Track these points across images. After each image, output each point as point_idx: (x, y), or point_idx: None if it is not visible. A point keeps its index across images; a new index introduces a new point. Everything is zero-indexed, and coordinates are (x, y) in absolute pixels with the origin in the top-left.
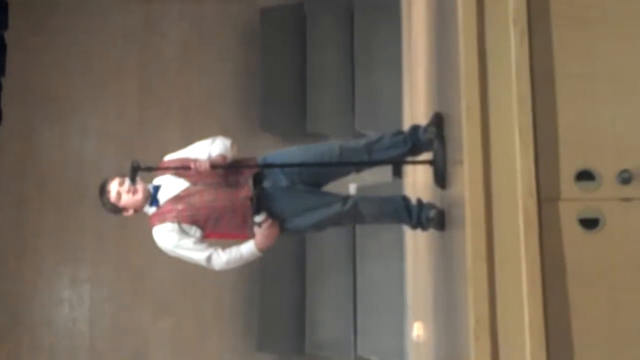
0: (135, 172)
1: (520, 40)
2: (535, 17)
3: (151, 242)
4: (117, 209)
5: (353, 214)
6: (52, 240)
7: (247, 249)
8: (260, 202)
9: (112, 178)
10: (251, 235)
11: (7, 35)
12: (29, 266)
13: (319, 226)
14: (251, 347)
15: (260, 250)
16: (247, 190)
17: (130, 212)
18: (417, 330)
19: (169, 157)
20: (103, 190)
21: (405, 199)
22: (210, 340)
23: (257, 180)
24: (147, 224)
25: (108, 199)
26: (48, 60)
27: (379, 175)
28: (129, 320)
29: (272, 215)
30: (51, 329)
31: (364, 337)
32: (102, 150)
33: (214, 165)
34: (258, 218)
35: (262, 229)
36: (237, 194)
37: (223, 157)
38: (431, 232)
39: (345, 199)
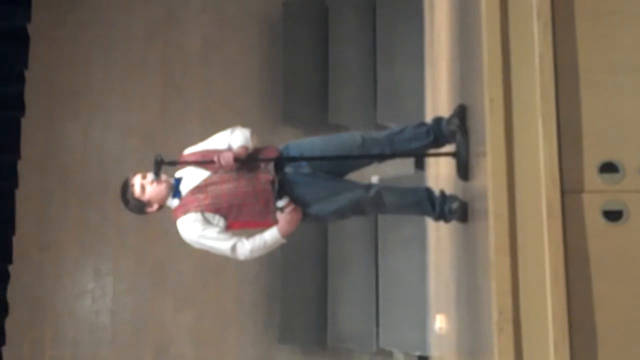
0: (159, 166)
1: (544, 33)
2: (559, 10)
3: (173, 234)
4: (141, 205)
5: (376, 202)
6: (74, 233)
7: (271, 235)
8: (282, 187)
9: (134, 174)
10: (274, 222)
11: (30, 29)
12: (52, 259)
13: (342, 213)
14: (273, 340)
15: (284, 236)
16: (267, 174)
17: (155, 207)
18: (440, 323)
19: (188, 151)
20: (126, 187)
21: (428, 190)
22: (232, 332)
23: (279, 166)
24: (170, 217)
25: (132, 194)
26: (71, 53)
27: (401, 167)
28: (150, 313)
29: (294, 200)
30: (74, 321)
31: (386, 330)
32: (125, 143)
33: (237, 159)
34: (280, 203)
35: (285, 213)
36: (257, 179)
37: (245, 148)
38: (454, 224)
39: (368, 186)
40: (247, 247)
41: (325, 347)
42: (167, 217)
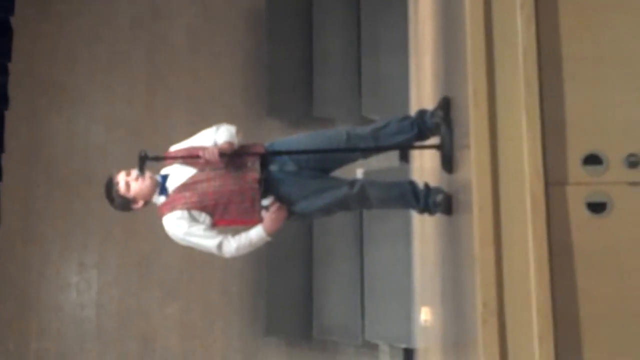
0: (144, 162)
1: (527, 24)
2: (543, 1)
3: (158, 227)
4: (126, 203)
5: (360, 197)
6: (59, 225)
7: (256, 233)
8: (268, 185)
9: (117, 171)
10: (260, 220)
11: (14, 21)
12: (37, 252)
13: (327, 210)
14: (258, 332)
15: (269, 234)
16: (254, 173)
17: (140, 203)
18: (425, 315)
19: (174, 148)
20: (110, 185)
21: (412, 183)
22: (218, 325)
23: (264, 164)
24: (155, 210)
25: (117, 191)
26: (55, 46)
27: (386, 160)
28: (136, 306)
29: (279, 198)
30: (59, 314)
31: (371, 322)
32: (110, 136)
33: (222, 153)
34: (265, 201)
35: (270, 212)
36: (244, 178)
37: (230, 143)
38: (438, 217)
39: (353, 182)
40: (232, 245)
41: (310, 339)
42: (153, 210)
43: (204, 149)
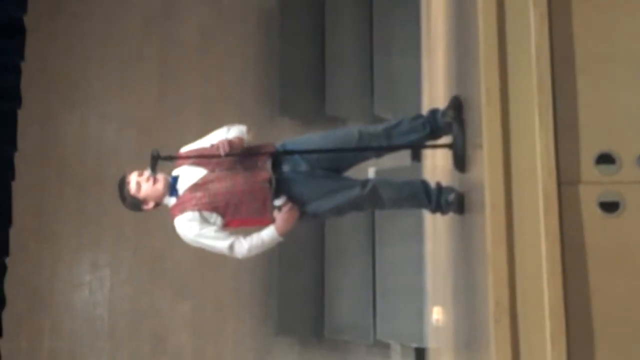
0: (156, 161)
1: (540, 23)
2: (555, 0)
3: (170, 226)
4: (137, 203)
5: (372, 197)
6: (72, 224)
7: (268, 234)
8: (279, 185)
9: (131, 171)
10: (272, 220)
11: (27, 20)
12: (49, 250)
13: (339, 210)
14: (270, 332)
15: (281, 234)
16: (265, 173)
17: (151, 205)
18: (437, 315)
19: (185, 149)
20: (122, 184)
21: (424, 183)
22: (229, 324)
23: (276, 164)
24: (167, 208)
25: (128, 191)
26: (68, 45)
27: (398, 159)
28: (148, 304)
29: (291, 199)
30: (71, 313)
31: (383, 322)
32: (122, 135)
33: (232, 147)
34: (278, 202)
35: (282, 212)
36: (255, 178)
37: (240, 139)
38: (450, 216)
39: (364, 182)
40: (244, 245)
41: (322, 338)
42: (165, 209)
43: (216, 144)
